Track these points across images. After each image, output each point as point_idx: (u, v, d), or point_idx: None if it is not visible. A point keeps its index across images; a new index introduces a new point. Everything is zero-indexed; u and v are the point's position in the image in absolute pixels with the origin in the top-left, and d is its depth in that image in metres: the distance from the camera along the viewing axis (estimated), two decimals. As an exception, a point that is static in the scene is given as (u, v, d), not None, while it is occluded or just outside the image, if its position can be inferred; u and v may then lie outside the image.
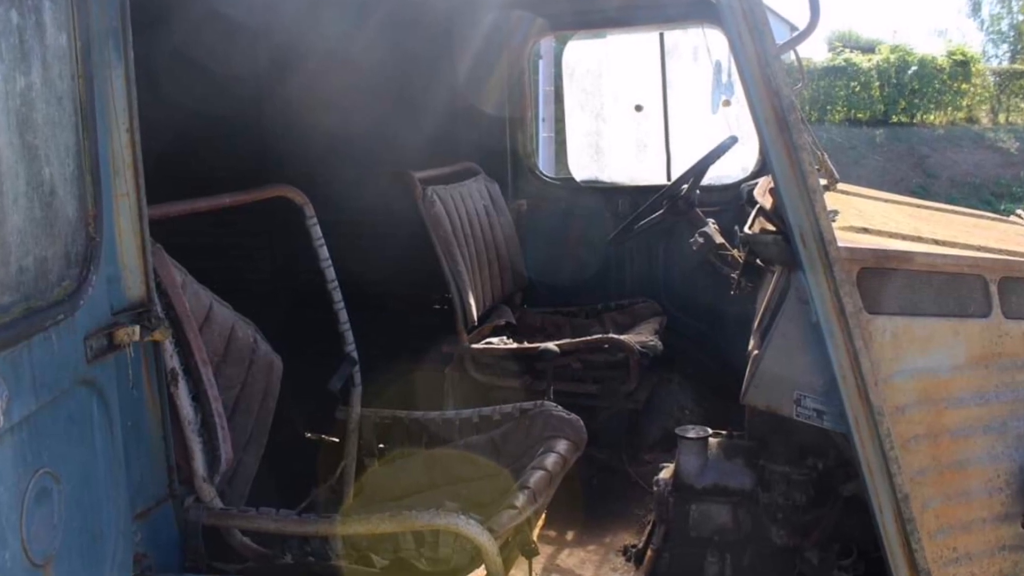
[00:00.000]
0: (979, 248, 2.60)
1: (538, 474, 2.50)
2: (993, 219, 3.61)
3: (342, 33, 4.29)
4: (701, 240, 3.72)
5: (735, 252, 3.52)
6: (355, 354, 2.95)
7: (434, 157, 4.43)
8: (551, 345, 3.96)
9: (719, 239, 3.75)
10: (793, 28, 17.59)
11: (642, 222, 4.30)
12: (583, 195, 5.03)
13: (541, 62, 9.62)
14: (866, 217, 2.96)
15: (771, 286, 2.74)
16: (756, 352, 2.64)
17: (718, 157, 4.05)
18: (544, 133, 9.78)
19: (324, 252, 2.87)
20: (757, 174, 4.41)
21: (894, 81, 17.38)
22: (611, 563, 3.44)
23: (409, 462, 2.91)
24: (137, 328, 1.96)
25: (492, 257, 4.50)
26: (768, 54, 2.20)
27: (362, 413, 2.98)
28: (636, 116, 5.28)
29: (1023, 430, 2.40)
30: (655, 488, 3.05)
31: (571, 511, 3.57)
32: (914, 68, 17.42)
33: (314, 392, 2.86)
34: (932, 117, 17.88)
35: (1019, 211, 3.88)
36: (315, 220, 2.86)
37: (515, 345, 4.19)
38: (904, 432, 2.29)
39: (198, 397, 2.25)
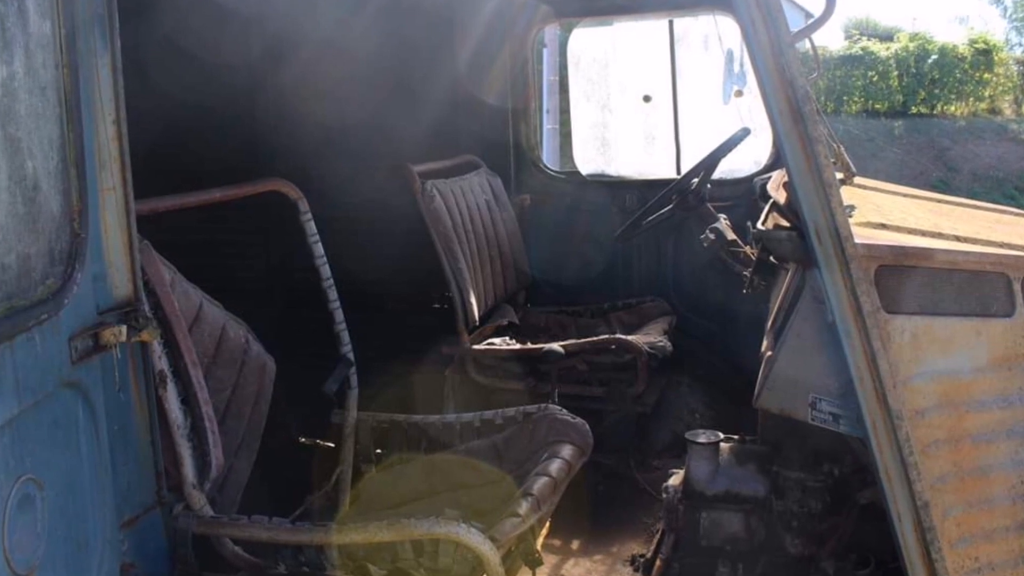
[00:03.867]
0: (1002, 245, 2.58)
1: (542, 480, 2.48)
2: (1017, 214, 3.59)
3: (338, 20, 4.27)
4: (712, 236, 3.73)
5: (747, 249, 3.54)
6: (351, 355, 2.92)
7: (434, 150, 4.41)
8: (555, 346, 3.94)
9: (731, 235, 3.76)
10: (808, 15, 17.66)
11: (650, 218, 4.28)
12: (589, 189, 5.00)
13: (545, 51, 9.63)
14: (884, 212, 2.94)
15: (785, 284, 2.74)
16: (769, 353, 2.63)
17: (730, 150, 4.05)
18: (548, 125, 9.79)
19: (319, 249, 2.86)
20: (770, 167, 4.40)
21: (913, 71, 17.14)
22: (618, 573, 3.43)
23: (408, 468, 2.89)
24: (124, 328, 1.95)
25: (494, 254, 4.47)
26: (782, 42, 2.19)
27: (359, 417, 2.96)
28: (644, 107, 5.29)
29: (1048, 435, 2.38)
30: (664, 495, 3.04)
31: (576, 519, 3.55)
32: (934, 57, 17.17)
33: (309, 395, 2.84)
34: (953, 108, 17.60)
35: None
36: (310, 215, 2.85)
37: (518, 346, 4.16)
38: (924, 437, 2.27)
39: (187, 400, 2.22)
